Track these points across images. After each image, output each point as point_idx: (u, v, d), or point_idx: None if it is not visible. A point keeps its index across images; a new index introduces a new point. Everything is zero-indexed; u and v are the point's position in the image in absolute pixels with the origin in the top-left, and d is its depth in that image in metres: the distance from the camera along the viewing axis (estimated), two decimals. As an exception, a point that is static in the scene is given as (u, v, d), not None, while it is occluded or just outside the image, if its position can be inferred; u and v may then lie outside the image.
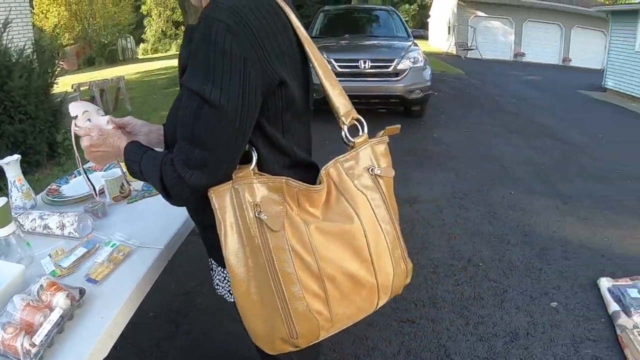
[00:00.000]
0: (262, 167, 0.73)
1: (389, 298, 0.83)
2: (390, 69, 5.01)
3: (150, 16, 28.96)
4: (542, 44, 18.49)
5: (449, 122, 5.79)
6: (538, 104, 8.19)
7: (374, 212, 0.77)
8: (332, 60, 4.94)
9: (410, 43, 5.59)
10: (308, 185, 0.73)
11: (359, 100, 4.91)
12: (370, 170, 0.79)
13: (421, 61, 5.23)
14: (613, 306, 2.18)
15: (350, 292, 0.75)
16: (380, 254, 0.77)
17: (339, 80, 0.81)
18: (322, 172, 0.76)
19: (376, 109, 5.39)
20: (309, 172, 0.81)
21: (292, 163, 0.79)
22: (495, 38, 18.55)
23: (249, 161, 0.72)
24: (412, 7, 31.32)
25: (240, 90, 0.64)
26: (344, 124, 0.78)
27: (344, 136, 0.79)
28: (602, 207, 3.53)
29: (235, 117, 0.65)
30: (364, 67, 4.94)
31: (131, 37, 22.92)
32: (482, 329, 1.93)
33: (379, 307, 0.82)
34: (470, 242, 2.71)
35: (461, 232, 2.82)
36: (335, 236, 0.73)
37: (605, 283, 2.38)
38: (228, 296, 0.89)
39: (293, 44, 0.73)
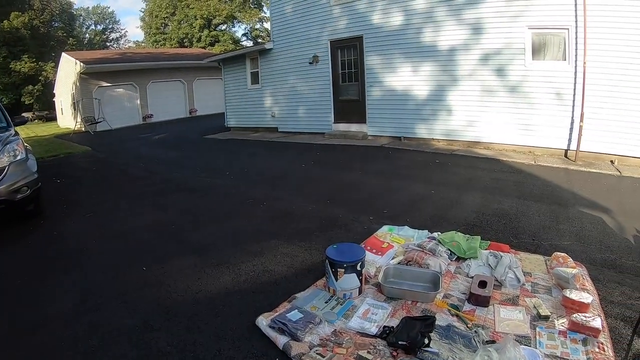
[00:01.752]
0: None
1: None
2: None
3: None
4: (168, 102, 19.10)
5: (73, 211, 5.05)
6: (167, 161, 8.26)
7: None
8: None
9: (9, 133, 4.71)
10: None
11: None
12: None
13: (22, 152, 4.38)
14: (281, 339, 2.01)
15: None
16: None
17: None
18: None
19: None
20: None
21: None
22: (122, 105, 18.09)
23: None
24: (36, 87, 27.64)
25: None
26: None
27: None
28: (238, 240, 3.47)
29: None
30: None
31: None
32: None
33: None
34: (111, 351, 2.16)
35: (98, 343, 2.23)
36: None
37: (263, 321, 2.18)
38: None
39: None
